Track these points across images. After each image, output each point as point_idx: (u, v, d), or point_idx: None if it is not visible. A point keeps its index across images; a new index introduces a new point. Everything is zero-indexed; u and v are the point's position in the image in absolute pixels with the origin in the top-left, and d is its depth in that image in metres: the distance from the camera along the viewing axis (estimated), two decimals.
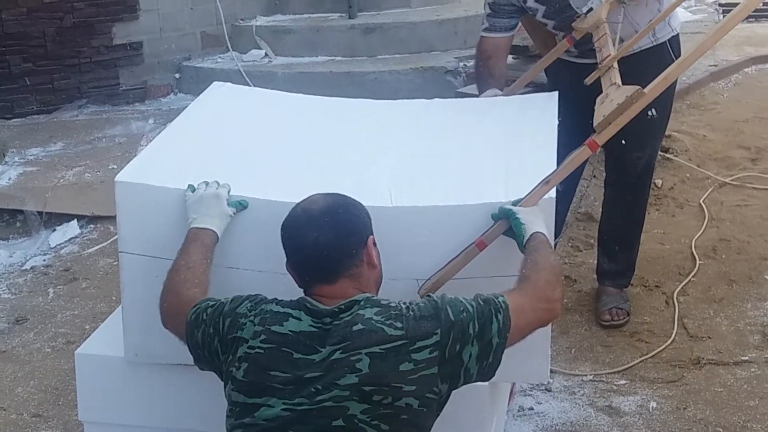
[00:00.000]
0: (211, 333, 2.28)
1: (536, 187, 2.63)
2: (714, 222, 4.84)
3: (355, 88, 6.71)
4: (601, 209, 4.21)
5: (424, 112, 3.30)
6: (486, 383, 2.54)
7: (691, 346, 3.86)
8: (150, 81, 7.63)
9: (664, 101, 3.78)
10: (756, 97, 6.88)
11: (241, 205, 2.60)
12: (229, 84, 3.46)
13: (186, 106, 3.27)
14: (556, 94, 3.34)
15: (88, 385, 2.90)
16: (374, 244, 2.34)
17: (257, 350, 2.19)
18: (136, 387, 2.83)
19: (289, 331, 2.19)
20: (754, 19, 8.19)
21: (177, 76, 7.78)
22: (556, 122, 3.06)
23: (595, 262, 4.23)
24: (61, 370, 3.87)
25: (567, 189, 3.50)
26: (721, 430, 3.33)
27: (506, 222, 2.53)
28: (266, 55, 7.73)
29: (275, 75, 7.28)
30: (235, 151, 2.92)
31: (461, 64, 7.21)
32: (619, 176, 3.99)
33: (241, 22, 8.06)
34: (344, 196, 2.37)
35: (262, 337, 2.19)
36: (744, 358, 3.77)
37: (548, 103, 3.23)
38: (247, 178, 2.71)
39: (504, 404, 3.23)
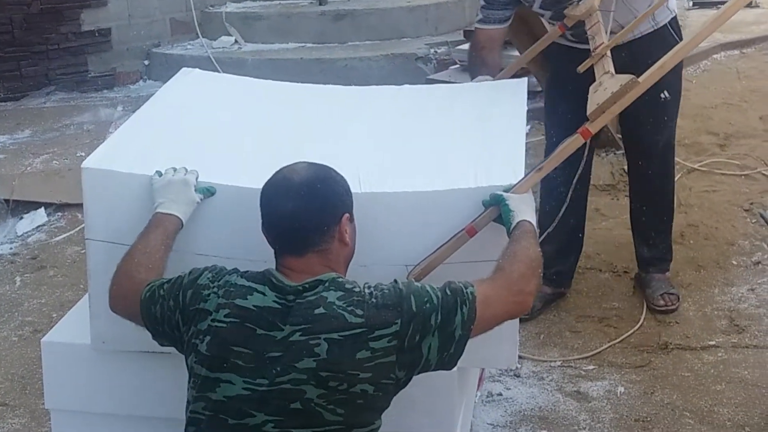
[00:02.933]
0: (172, 306, 2.27)
1: (528, 174, 2.63)
2: (682, 208, 4.87)
3: (326, 75, 6.70)
4: (629, 198, 4.22)
5: (395, 98, 3.29)
6: (455, 369, 2.56)
7: (658, 331, 3.89)
8: (119, 68, 7.59)
9: (675, 82, 3.83)
10: (724, 84, 6.94)
11: (208, 192, 2.58)
12: (197, 70, 3.43)
13: (154, 94, 3.24)
14: (525, 80, 3.34)
15: (55, 373, 2.87)
16: (350, 221, 2.33)
17: (220, 324, 2.18)
18: (103, 374, 2.81)
19: (253, 305, 2.18)
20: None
21: (146, 62, 7.74)
22: (525, 108, 3.06)
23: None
24: (27, 358, 3.85)
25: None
26: (688, 414, 3.36)
27: (497, 209, 2.52)
28: (236, 41, 7.71)
29: (245, 62, 7.26)
30: (203, 138, 2.90)
31: (432, 50, 7.22)
32: (642, 162, 4.01)
33: (210, 8, 8.03)
34: (328, 169, 2.35)
35: (226, 310, 2.19)
36: (711, 342, 3.80)
37: (517, 89, 3.23)
38: (215, 165, 2.69)
39: (473, 390, 3.24)
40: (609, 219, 4.90)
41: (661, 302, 4.04)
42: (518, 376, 3.60)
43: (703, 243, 4.63)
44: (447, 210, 2.59)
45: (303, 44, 7.63)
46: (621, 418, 3.35)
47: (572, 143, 2.77)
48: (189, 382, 2.23)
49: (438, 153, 2.82)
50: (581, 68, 3.19)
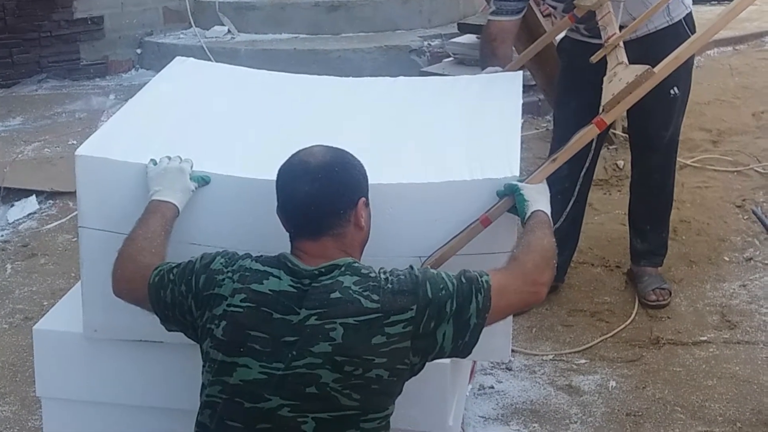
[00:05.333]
0: (184, 291, 2.27)
1: (543, 164, 2.63)
2: (675, 203, 4.86)
3: (319, 66, 6.68)
4: (629, 190, 4.23)
5: (389, 90, 3.29)
6: (447, 361, 2.56)
7: (650, 326, 3.90)
8: (111, 56, 7.56)
9: (685, 78, 3.83)
10: (717, 80, 6.95)
11: (203, 180, 2.58)
12: (191, 59, 3.42)
13: (148, 82, 3.22)
14: (520, 73, 3.35)
15: (46, 361, 2.87)
16: (366, 205, 2.33)
17: (236, 309, 2.18)
18: (94, 363, 2.81)
19: (269, 290, 2.18)
20: (716, 2, 8.24)
21: (138, 51, 7.71)
22: (521, 101, 3.05)
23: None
24: (18, 346, 3.83)
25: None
26: (679, 409, 3.36)
27: (511, 199, 2.53)
28: (229, 31, 7.68)
29: (238, 52, 7.23)
30: (198, 127, 2.89)
31: (425, 43, 7.21)
32: (645, 156, 4.02)
33: None
34: (345, 153, 2.35)
35: (242, 295, 2.19)
36: (702, 338, 3.80)
37: (513, 82, 3.23)
38: (209, 154, 2.69)
39: (465, 383, 3.23)
40: (601, 214, 4.91)
41: (653, 297, 4.04)
42: (510, 370, 3.60)
43: (695, 239, 4.64)
44: (442, 203, 2.58)
45: (296, 35, 7.60)
46: (612, 413, 3.35)
47: (587, 134, 2.77)
48: (204, 367, 2.23)
49: (433, 145, 2.81)
50: (594, 58, 3.19)
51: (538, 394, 3.47)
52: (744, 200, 5.02)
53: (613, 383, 3.51)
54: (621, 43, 3.11)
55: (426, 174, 2.63)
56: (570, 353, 3.72)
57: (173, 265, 2.33)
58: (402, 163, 2.68)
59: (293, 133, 2.85)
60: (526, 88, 5.08)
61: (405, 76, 3.52)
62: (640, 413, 3.34)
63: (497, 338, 2.67)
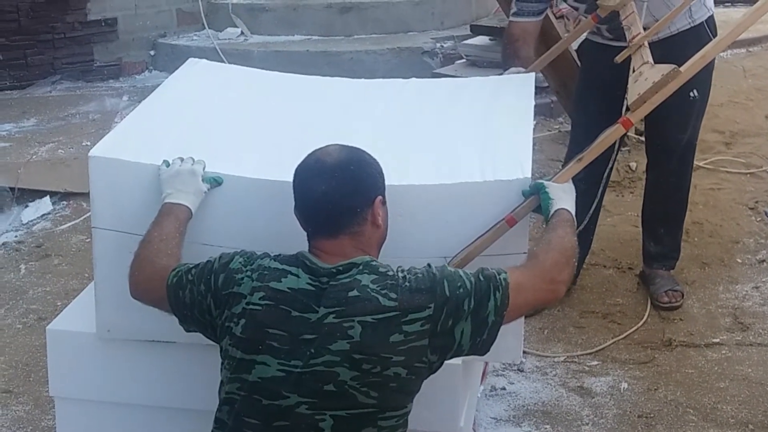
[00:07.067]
0: (203, 290, 2.28)
1: (569, 164, 2.63)
2: (688, 205, 4.87)
3: (332, 68, 6.69)
4: (643, 192, 4.22)
5: (402, 91, 3.29)
6: (458, 362, 2.56)
7: (662, 327, 3.89)
8: (125, 58, 7.59)
9: (705, 81, 3.81)
10: (730, 82, 6.92)
11: (215, 182, 2.59)
12: (204, 60, 3.43)
13: (161, 84, 3.23)
14: (532, 75, 3.35)
15: (60, 361, 2.88)
16: (383, 203, 2.34)
17: (255, 307, 2.19)
18: (107, 363, 2.82)
19: (288, 288, 2.20)
20: (729, 4, 8.22)
21: (152, 53, 7.74)
22: (533, 103, 3.06)
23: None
24: (32, 346, 3.85)
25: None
26: (691, 411, 3.36)
27: (537, 198, 2.54)
28: (242, 33, 7.70)
29: (251, 53, 7.26)
30: (210, 128, 2.90)
31: (438, 45, 7.22)
32: (662, 159, 4.01)
33: None
34: (361, 151, 2.36)
35: (261, 293, 2.20)
36: (715, 340, 3.80)
37: (524, 84, 3.22)
38: (221, 155, 2.69)
39: (476, 384, 3.23)
40: (614, 215, 4.90)
41: (666, 299, 4.03)
42: (522, 371, 3.60)
43: (707, 240, 4.63)
44: (454, 204, 2.58)
45: (309, 37, 7.62)
46: (624, 414, 3.35)
47: (613, 134, 2.78)
48: (223, 364, 2.25)
49: (445, 147, 2.81)
50: (619, 58, 3.18)
51: (549, 396, 3.47)
52: (757, 202, 5.00)
53: (625, 385, 3.51)
54: (646, 43, 3.10)
55: (438, 175, 2.63)
56: (582, 355, 3.72)
57: (191, 265, 2.34)
58: (414, 165, 2.68)
59: (305, 135, 2.86)
60: (539, 90, 5.07)
61: (417, 77, 3.52)
62: (652, 415, 3.34)
63: (509, 339, 2.66)
